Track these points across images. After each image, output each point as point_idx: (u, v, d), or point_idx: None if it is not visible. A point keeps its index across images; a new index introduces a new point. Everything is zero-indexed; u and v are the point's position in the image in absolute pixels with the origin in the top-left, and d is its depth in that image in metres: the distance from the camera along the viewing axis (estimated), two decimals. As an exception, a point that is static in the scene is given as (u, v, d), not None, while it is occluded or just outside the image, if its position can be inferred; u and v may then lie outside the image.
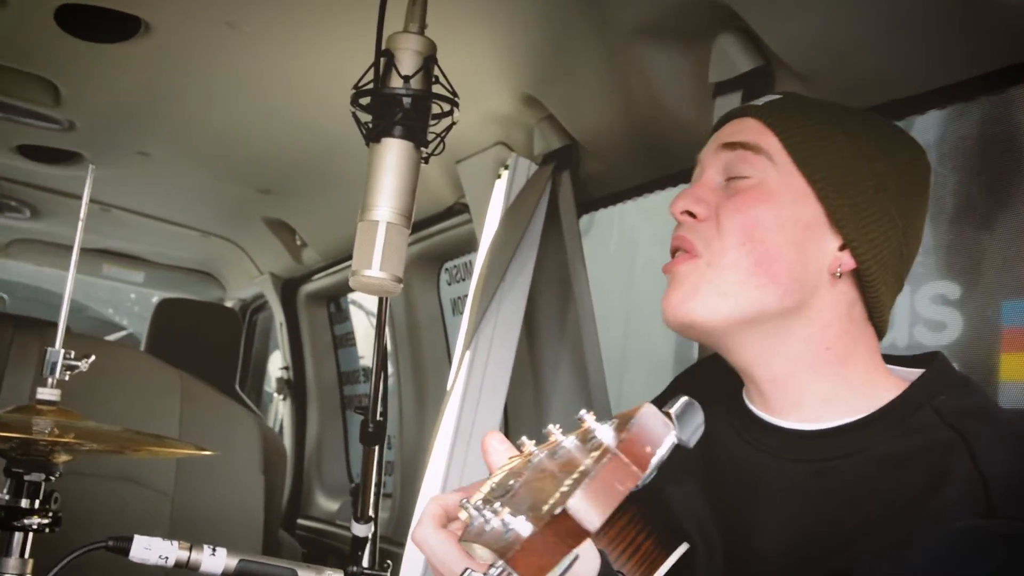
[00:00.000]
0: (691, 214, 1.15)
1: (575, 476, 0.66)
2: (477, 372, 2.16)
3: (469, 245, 2.87)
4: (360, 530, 1.76)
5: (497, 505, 0.73)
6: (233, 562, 1.24)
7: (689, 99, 1.78)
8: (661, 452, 0.68)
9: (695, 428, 0.74)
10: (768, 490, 1.11)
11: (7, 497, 1.41)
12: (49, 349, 1.48)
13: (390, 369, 3.38)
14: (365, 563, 1.77)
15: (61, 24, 2.09)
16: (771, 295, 1.10)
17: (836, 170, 1.11)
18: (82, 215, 1.53)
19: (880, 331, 1.17)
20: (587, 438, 0.72)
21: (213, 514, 2.71)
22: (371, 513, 1.77)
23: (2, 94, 2.57)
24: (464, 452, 2.13)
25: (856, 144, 1.13)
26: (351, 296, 4.15)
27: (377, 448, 1.73)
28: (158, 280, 4.65)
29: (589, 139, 2.11)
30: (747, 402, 1.19)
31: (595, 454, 0.68)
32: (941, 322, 2.09)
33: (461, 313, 2.90)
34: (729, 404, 1.22)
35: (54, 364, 1.47)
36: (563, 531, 0.65)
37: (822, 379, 1.12)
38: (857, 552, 0.99)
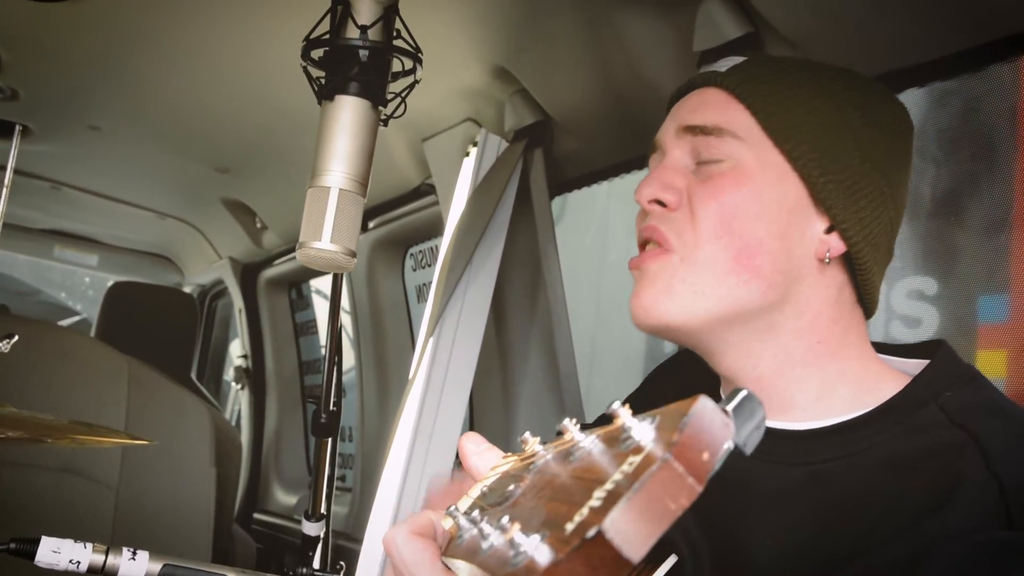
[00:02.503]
0: (660, 203, 1.03)
1: (608, 487, 0.51)
2: (441, 360, 2.04)
3: (436, 229, 2.75)
4: (311, 529, 1.65)
5: (501, 519, 0.57)
6: (156, 567, 1.10)
7: (672, 70, 1.67)
8: (719, 460, 0.53)
9: (754, 429, 0.57)
10: (759, 497, 1.00)
11: (-83, 490, 1.28)
12: (-33, 329, 1.36)
13: (352, 360, 3.26)
14: (316, 564, 1.65)
15: (-2, -20, 1.94)
16: (754, 291, 0.99)
17: (818, 142, 1.00)
18: (6, 180, 1.40)
19: (869, 311, 1.07)
20: (618, 438, 0.57)
21: (160, 508, 2.58)
22: (323, 511, 1.66)
23: (-65, 58, 2.41)
24: (426, 445, 2.01)
25: (838, 109, 1.01)
26: (313, 283, 4.02)
27: (330, 440, 1.62)
28: (113, 264, 4.50)
29: (564, 115, 2.00)
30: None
31: (635, 459, 0.52)
32: (917, 318, 2.07)
33: (427, 300, 2.79)
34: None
35: (-30, 344, 1.34)
36: (596, 560, 0.49)
37: (813, 375, 1.02)
38: (862, 567, 0.88)
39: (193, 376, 4.08)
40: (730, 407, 0.55)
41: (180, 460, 2.67)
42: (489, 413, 2.28)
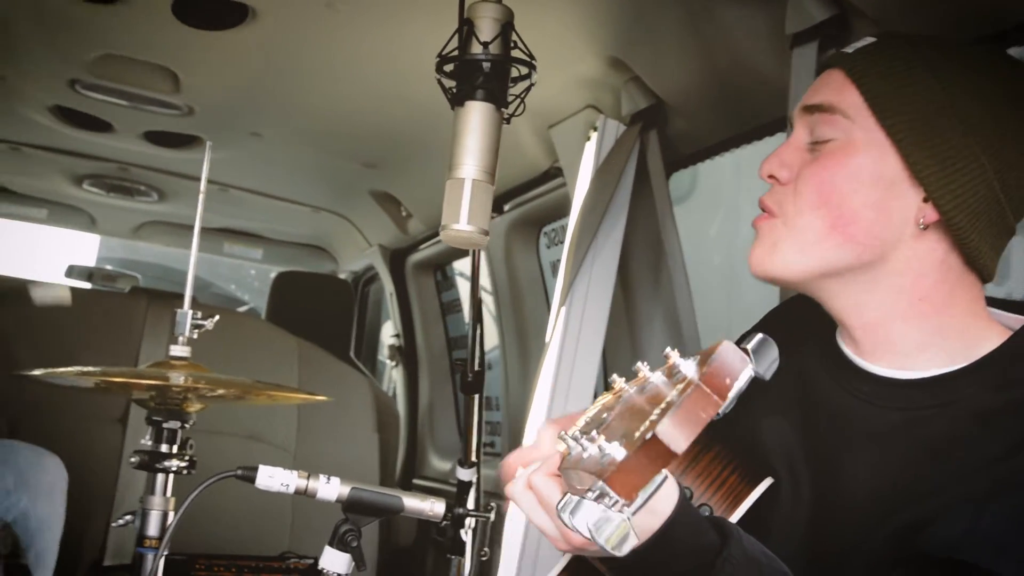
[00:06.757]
0: (775, 178, 1.18)
1: (662, 407, 0.75)
2: (573, 327, 2.25)
3: (566, 208, 2.92)
4: (464, 475, 1.89)
5: (593, 434, 0.81)
6: (346, 489, 1.39)
7: (768, 52, 1.82)
8: (739, 384, 0.77)
9: (771, 362, 0.82)
10: (858, 435, 1.13)
11: (150, 443, 1.59)
12: (178, 311, 1.65)
13: (495, 338, 3.48)
14: (470, 504, 1.89)
15: (177, 15, 2.25)
16: (848, 253, 1.11)
17: (918, 119, 1.08)
18: (202, 187, 1.69)
19: (984, 276, 1.13)
20: (673, 373, 0.81)
21: (332, 470, 2.86)
22: (474, 459, 1.90)
23: (128, 84, 2.78)
24: (563, 402, 2.23)
25: (947, 87, 1.09)
26: (456, 265, 4.27)
27: (477, 397, 1.85)
28: (275, 256, 4.85)
29: (674, 98, 2.17)
30: (841, 344, 1.21)
31: (680, 387, 0.77)
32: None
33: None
34: (823, 345, 1.23)
35: (183, 323, 1.64)
36: (653, 454, 0.74)
37: (916, 329, 1.12)
38: (939, 502, 1.00)
39: (352, 355, 4.41)
40: (750, 346, 0.81)
41: (346, 427, 3.00)
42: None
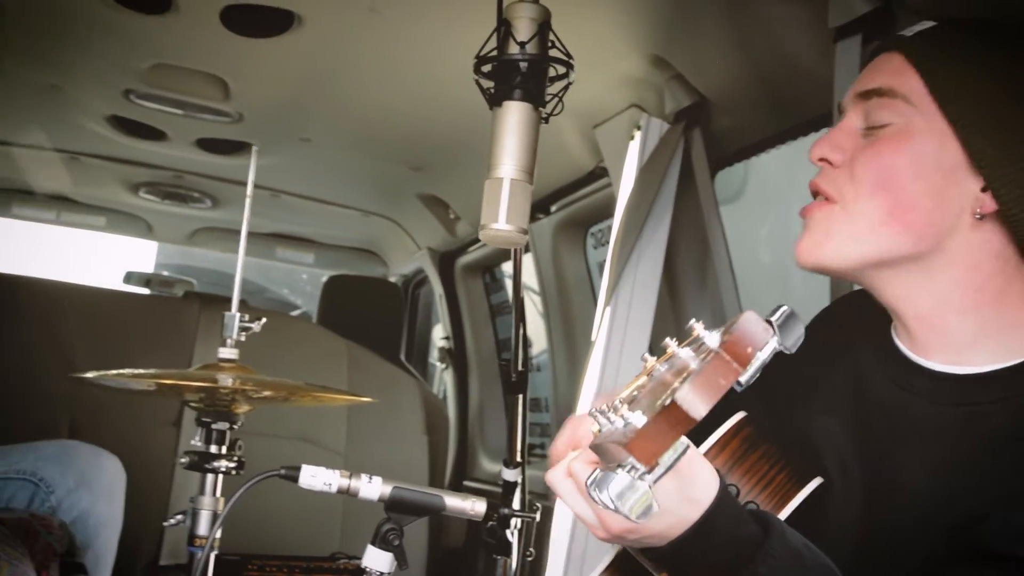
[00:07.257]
0: (827, 161, 1.16)
1: (684, 376, 0.77)
2: (618, 326, 2.25)
3: (612, 209, 2.91)
4: (510, 475, 1.89)
5: (617, 405, 0.83)
6: (388, 489, 1.40)
7: (810, 47, 1.80)
8: (762, 355, 0.77)
9: (796, 338, 0.82)
10: (915, 432, 1.12)
11: (200, 444, 1.62)
12: (226, 314, 1.68)
13: (543, 341, 3.48)
14: (516, 505, 1.89)
15: (226, 23, 2.29)
16: (905, 240, 1.10)
17: (981, 106, 1.07)
18: (248, 191, 1.72)
19: None
20: (697, 344, 0.82)
21: (382, 471, 2.91)
22: (519, 459, 1.90)
23: (180, 92, 2.83)
24: (608, 402, 2.22)
25: (1011, 74, 1.07)
26: (504, 267, 4.27)
27: (522, 396, 1.85)
28: (327, 260, 4.89)
29: (717, 95, 2.15)
30: (895, 339, 1.19)
31: (702, 355, 0.78)
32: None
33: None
34: (876, 341, 1.22)
35: (231, 326, 1.67)
36: (673, 420, 0.75)
37: (972, 321, 1.10)
38: (998, 497, 0.99)
39: (402, 358, 4.44)
40: (774, 318, 0.81)
41: (396, 429, 3.02)
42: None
